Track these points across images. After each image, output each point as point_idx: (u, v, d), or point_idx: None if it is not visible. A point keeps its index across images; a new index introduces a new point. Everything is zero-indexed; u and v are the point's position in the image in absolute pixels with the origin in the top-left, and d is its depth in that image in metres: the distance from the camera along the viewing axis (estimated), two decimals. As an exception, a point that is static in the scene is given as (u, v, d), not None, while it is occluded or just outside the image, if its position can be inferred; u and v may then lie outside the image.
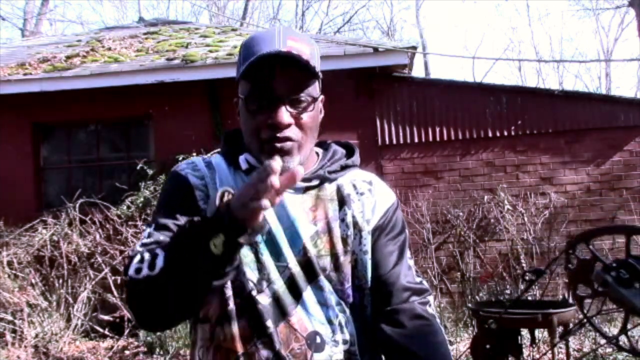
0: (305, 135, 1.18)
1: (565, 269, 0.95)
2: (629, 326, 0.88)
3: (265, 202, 0.94)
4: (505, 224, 6.17)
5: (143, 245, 1.14)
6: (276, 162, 0.93)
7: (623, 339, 0.92)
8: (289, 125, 1.14)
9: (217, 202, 1.03)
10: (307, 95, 1.16)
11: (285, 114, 1.13)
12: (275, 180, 0.92)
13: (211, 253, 1.00)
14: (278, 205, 1.18)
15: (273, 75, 1.13)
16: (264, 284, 1.16)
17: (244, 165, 1.22)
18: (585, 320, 0.95)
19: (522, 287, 5.81)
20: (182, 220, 1.16)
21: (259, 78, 1.14)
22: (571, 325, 3.69)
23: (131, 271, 1.09)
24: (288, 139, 1.15)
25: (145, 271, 1.07)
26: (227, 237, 0.99)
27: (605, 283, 0.84)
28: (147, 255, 1.09)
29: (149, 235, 1.16)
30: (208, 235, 1.00)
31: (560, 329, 3.69)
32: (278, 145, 1.14)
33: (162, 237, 1.15)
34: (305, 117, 1.17)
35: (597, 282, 0.86)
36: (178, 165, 1.29)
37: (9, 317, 5.63)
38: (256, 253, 1.17)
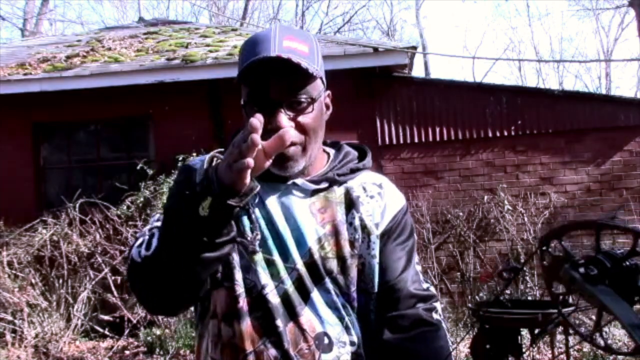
0: (308, 137, 1.16)
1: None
2: (602, 324, 0.89)
3: (249, 160, 0.93)
4: (505, 224, 6.17)
5: (150, 229, 1.15)
6: (256, 119, 0.94)
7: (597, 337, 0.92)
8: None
9: (206, 165, 1.02)
10: (305, 96, 1.14)
11: (283, 118, 1.11)
12: (256, 137, 0.92)
13: (199, 216, 0.98)
14: (285, 207, 1.18)
15: (268, 79, 1.11)
16: (274, 283, 1.16)
17: None
18: (560, 317, 0.95)
19: (522, 287, 5.81)
20: None
21: (255, 82, 1.13)
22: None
23: (134, 254, 1.10)
24: (290, 143, 1.13)
25: (143, 252, 1.08)
26: (215, 199, 0.97)
27: (574, 280, 0.84)
28: (146, 237, 1.11)
29: (158, 220, 1.17)
30: (197, 201, 0.99)
31: (560, 329, 3.69)
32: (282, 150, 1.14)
33: None
34: (306, 118, 1.14)
35: (566, 279, 0.85)
36: (190, 160, 1.29)
37: (9, 317, 5.64)
38: (266, 252, 1.17)
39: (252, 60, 1.10)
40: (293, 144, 1.14)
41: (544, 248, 0.94)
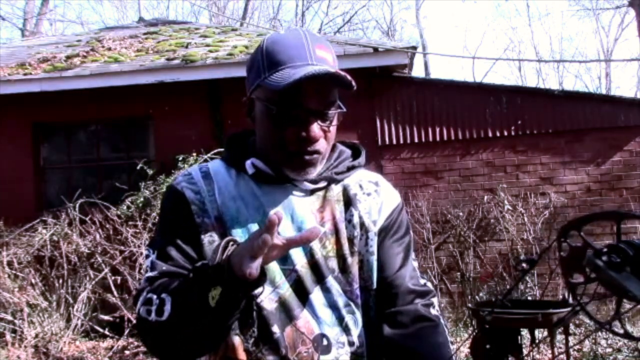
0: (328, 145, 1.19)
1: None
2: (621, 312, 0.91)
3: (256, 265, 0.95)
4: (505, 224, 6.17)
5: (148, 280, 1.15)
6: (276, 216, 0.94)
7: (616, 324, 0.93)
8: (319, 139, 1.15)
9: (220, 252, 1.02)
10: (335, 107, 1.16)
11: (317, 129, 1.13)
12: (268, 239, 0.93)
13: (209, 305, 1.00)
14: (286, 208, 1.18)
15: (306, 89, 1.11)
16: (270, 289, 1.15)
17: (250, 170, 1.19)
18: (578, 307, 0.96)
19: (522, 287, 5.81)
20: (182, 245, 1.17)
21: (292, 90, 1.10)
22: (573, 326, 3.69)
23: (142, 311, 1.10)
24: (317, 152, 1.15)
25: (153, 316, 1.08)
26: (225, 290, 0.99)
27: (597, 268, 0.85)
28: (154, 298, 1.09)
29: (152, 266, 1.16)
30: (207, 287, 1.00)
31: (560, 329, 3.69)
32: (307, 157, 1.15)
33: (165, 267, 1.15)
34: (332, 129, 1.17)
35: (589, 267, 0.87)
36: (175, 178, 1.28)
37: (9, 317, 5.63)
38: None
39: (312, 73, 1.08)
40: (318, 152, 1.16)
41: (562, 239, 0.95)
